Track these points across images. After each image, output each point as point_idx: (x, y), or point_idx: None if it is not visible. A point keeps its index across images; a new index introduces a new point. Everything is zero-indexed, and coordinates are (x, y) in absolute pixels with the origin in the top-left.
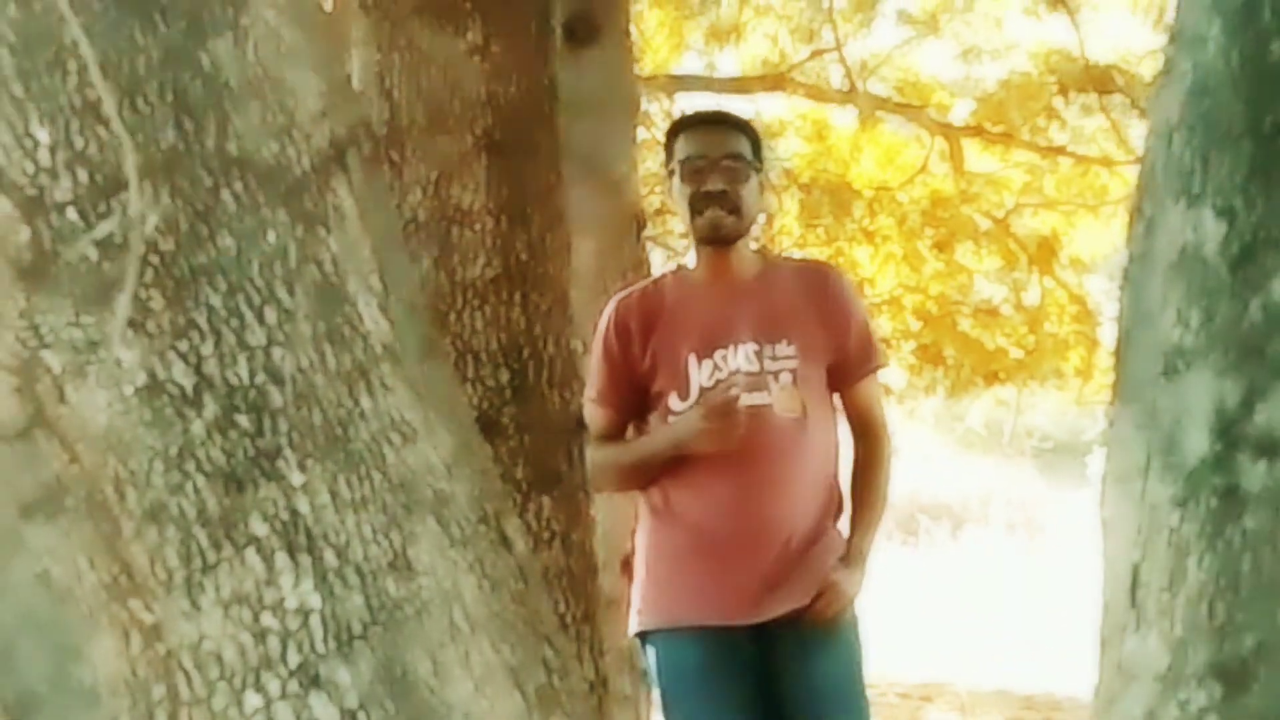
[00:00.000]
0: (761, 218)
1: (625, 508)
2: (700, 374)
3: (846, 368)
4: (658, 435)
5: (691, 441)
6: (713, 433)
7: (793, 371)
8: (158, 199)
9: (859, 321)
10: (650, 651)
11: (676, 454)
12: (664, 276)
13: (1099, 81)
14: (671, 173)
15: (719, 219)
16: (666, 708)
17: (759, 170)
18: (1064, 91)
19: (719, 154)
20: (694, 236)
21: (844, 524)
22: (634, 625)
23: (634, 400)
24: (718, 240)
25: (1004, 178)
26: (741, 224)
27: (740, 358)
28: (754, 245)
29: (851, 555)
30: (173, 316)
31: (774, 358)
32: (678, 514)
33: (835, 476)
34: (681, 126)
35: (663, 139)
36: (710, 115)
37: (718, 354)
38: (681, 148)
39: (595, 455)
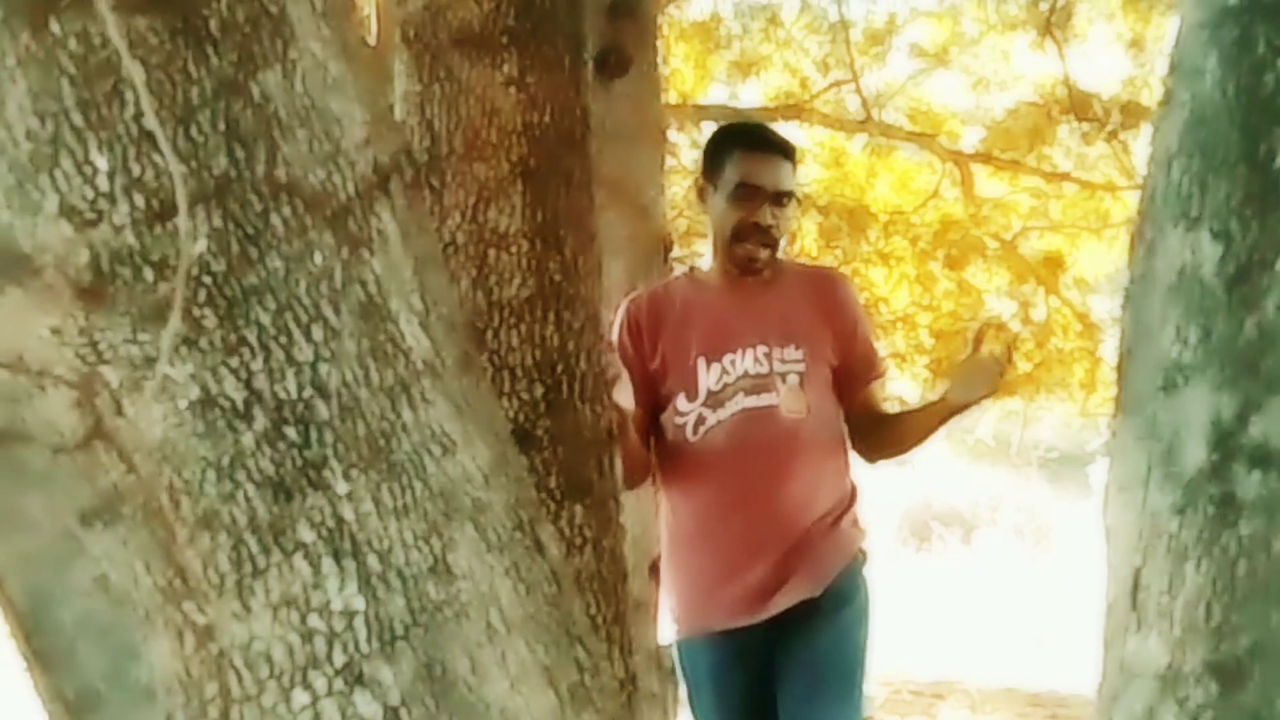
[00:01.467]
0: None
1: (653, 515)
2: (708, 377)
3: (852, 373)
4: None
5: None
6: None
7: (800, 374)
8: (210, 222)
9: (863, 327)
10: (676, 655)
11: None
12: (677, 278)
13: (1087, 109)
14: (714, 186)
15: (756, 254)
16: (690, 708)
17: (798, 201)
18: (1067, 115)
19: (774, 186)
20: (723, 259)
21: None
22: (666, 631)
23: (646, 398)
24: (750, 273)
25: (1011, 202)
26: (773, 259)
27: (748, 361)
28: None
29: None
30: (224, 334)
31: (783, 360)
32: (687, 519)
33: (846, 473)
34: (739, 143)
35: (706, 145)
36: (770, 139)
37: (726, 358)
38: (736, 169)
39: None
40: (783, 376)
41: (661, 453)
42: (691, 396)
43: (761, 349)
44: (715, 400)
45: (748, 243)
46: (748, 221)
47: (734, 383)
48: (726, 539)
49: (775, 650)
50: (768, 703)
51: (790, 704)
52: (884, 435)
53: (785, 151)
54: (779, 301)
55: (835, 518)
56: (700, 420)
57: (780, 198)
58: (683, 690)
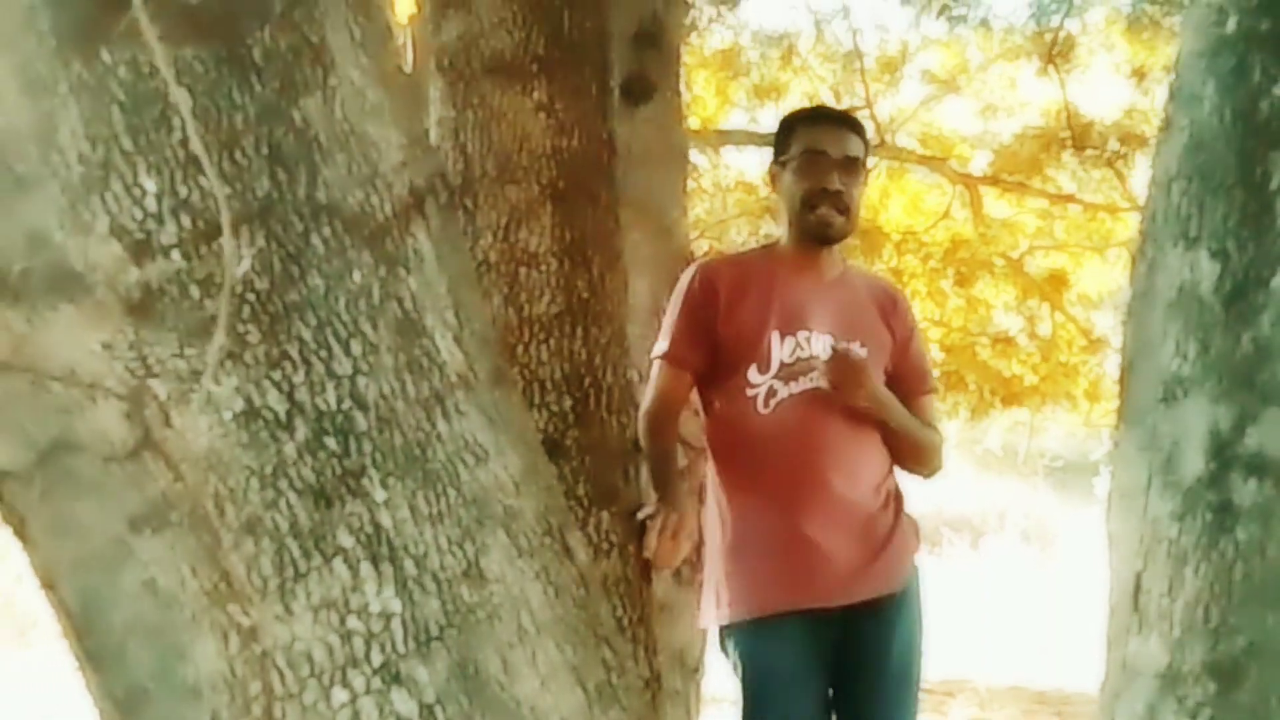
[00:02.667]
0: None
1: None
2: (782, 350)
3: (905, 383)
4: (671, 482)
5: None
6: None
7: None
8: (253, 242)
9: (918, 341)
10: (738, 643)
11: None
12: (751, 252)
13: (1089, 135)
14: (784, 164)
15: (831, 218)
16: (754, 697)
17: (865, 173)
18: (1069, 143)
19: (840, 153)
20: (797, 230)
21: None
22: (719, 619)
23: (705, 363)
24: (824, 239)
25: (1018, 222)
26: (848, 226)
27: (818, 345)
28: None
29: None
30: (267, 348)
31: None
32: (756, 493)
33: (894, 476)
34: (802, 119)
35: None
36: (833, 113)
37: (800, 334)
38: (801, 141)
39: (656, 432)
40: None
41: (720, 421)
42: (764, 369)
43: (829, 338)
44: (788, 374)
45: (819, 208)
46: (816, 188)
47: (806, 360)
48: (806, 518)
49: (846, 642)
50: (826, 691)
51: (860, 700)
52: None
53: (849, 123)
54: (847, 297)
55: (896, 516)
56: (771, 393)
57: (847, 163)
58: (737, 684)
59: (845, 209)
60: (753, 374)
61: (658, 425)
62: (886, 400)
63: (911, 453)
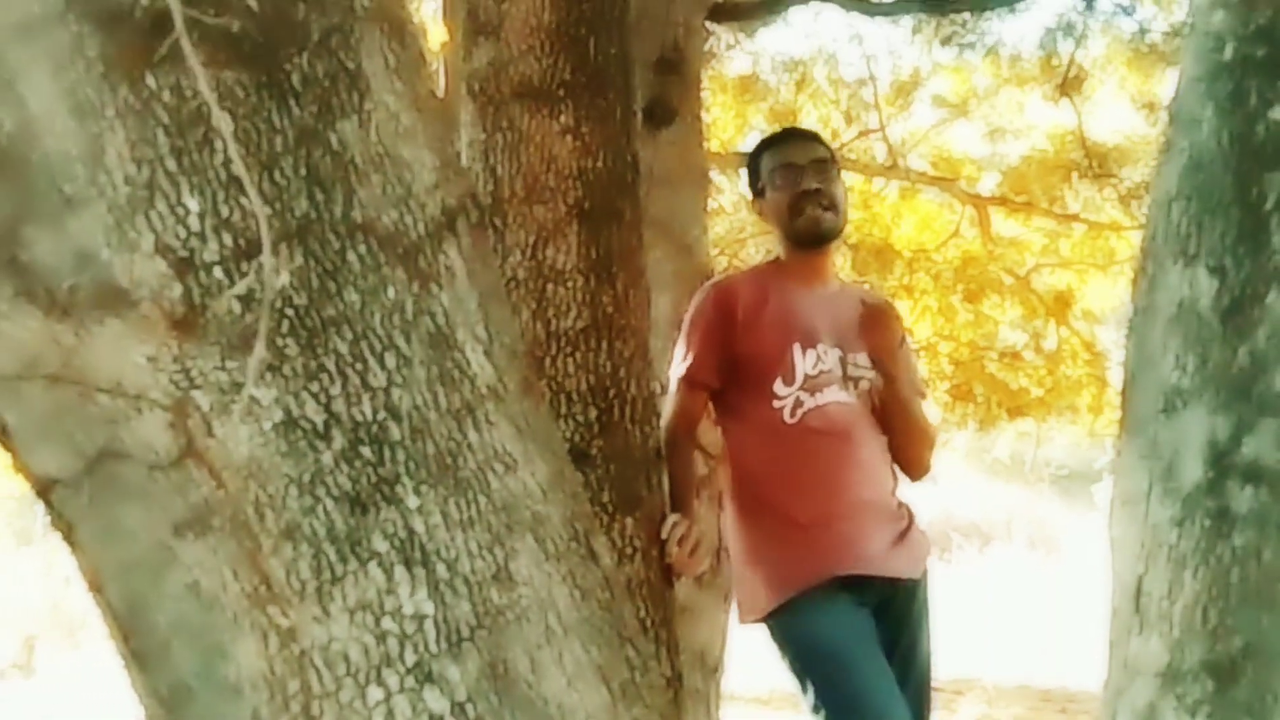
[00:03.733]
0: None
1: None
2: (805, 362)
3: None
4: (688, 494)
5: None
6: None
7: (870, 381)
8: (292, 259)
9: (907, 354)
10: (789, 626)
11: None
12: (760, 267)
13: (1107, 160)
14: (761, 190)
15: (819, 216)
16: (824, 669)
17: (842, 179)
18: (1078, 167)
19: (807, 158)
20: (792, 239)
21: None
22: (763, 610)
23: (721, 380)
24: (819, 237)
25: (1025, 240)
26: (838, 221)
27: (831, 358)
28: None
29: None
30: (305, 361)
31: (855, 365)
32: (785, 508)
33: (897, 490)
34: (764, 145)
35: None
36: (789, 130)
37: (819, 346)
38: (769, 161)
39: (674, 449)
40: (855, 381)
41: (745, 432)
42: (789, 381)
43: (837, 351)
44: (812, 385)
45: (805, 209)
46: (796, 191)
47: (826, 373)
48: (835, 513)
49: (882, 623)
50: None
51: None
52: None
53: (808, 134)
54: (848, 311)
55: (908, 513)
56: (798, 404)
57: (818, 165)
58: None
59: (830, 204)
60: (779, 386)
61: (675, 441)
62: (906, 360)
63: (909, 440)
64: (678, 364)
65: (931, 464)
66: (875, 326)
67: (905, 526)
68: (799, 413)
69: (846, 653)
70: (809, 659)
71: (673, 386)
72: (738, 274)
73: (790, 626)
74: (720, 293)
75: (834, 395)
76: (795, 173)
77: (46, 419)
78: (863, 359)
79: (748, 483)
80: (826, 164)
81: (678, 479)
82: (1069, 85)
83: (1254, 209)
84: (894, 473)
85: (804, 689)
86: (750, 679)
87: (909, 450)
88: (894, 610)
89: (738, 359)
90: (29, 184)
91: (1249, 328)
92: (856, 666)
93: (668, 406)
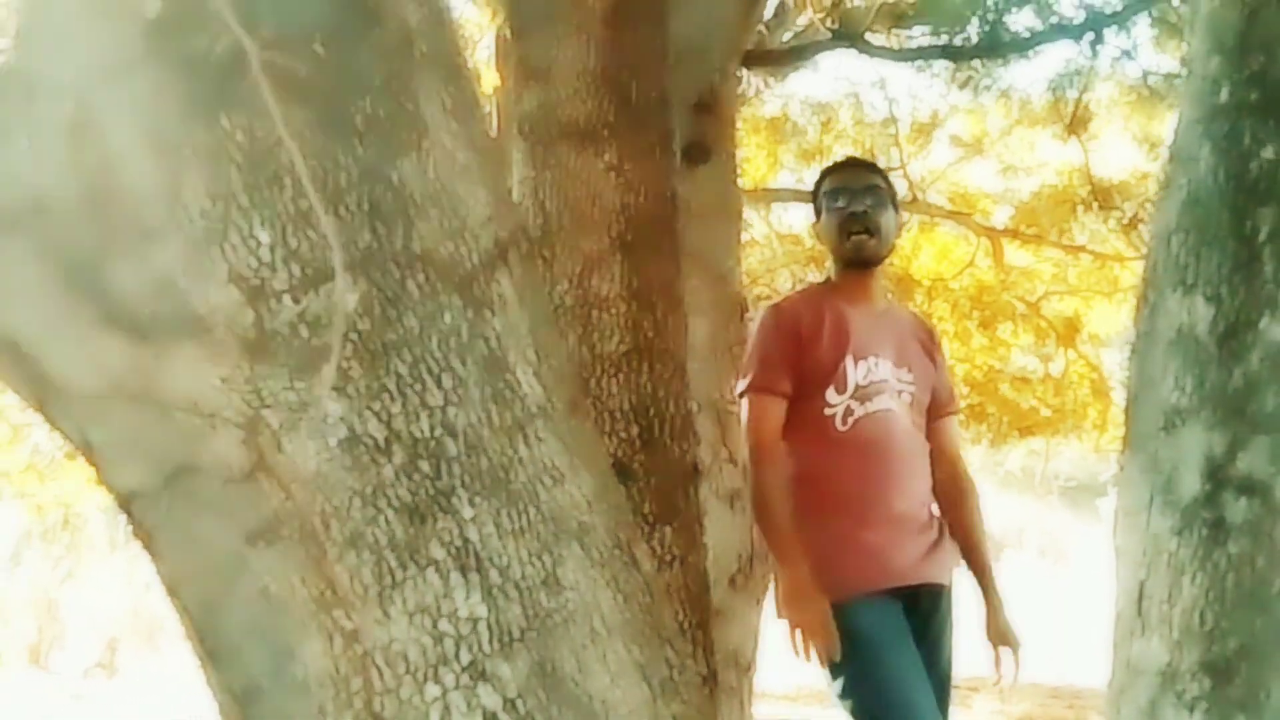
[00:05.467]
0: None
1: (731, 536)
2: (856, 373)
3: (938, 405)
4: (790, 552)
5: (781, 608)
6: (794, 628)
7: (912, 394)
8: (356, 287)
9: (945, 371)
10: (845, 616)
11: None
12: (812, 289)
13: (1112, 195)
14: (819, 212)
15: (862, 242)
16: (868, 664)
17: (895, 204)
18: (1087, 203)
19: (859, 184)
20: (840, 260)
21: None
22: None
23: (795, 392)
24: (861, 261)
25: (1036, 270)
26: (881, 248)
27: (883, 369)
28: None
29: (995, 603)
30: (368, 382)
31: (899, 379)
32: (839, 496)
33: (931, 494)
34: (825, 172)
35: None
36: (849, 159)
37: (871, 358)
38: (826, 185)
39: (772, 478)
40: (898, 393)
41: (800, 439)
42: (841, 390)
43: (887, 364)
44: (862, 395)
45: (851, 233)
46: (845, 214)
47: (876, 383)
48: (871, 523)
49: (911, 625)
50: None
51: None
52: (939, 486)
53: (865, 164)
54: (896, 329)
55: (939, 531)
56: (849, 411)
57: (869, 190)
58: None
59: (875, 229)
60: (830, 395)
61: (766, 455)
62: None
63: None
64: (744, 383)
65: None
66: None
67: (935, 538)
68: (850, 420)
69: (877, 643)
70: (843, 649)
71: (744, 406)
72: (794, 295)
73: (844, 619)
74: (781, 312)
75: (884, 404)
76: (846, 198)
77: (128, 436)
78: (905, 374)
79: (799, 486)
80: (877, 191)
81: (774, 502)
82: (1076, 125)
83: (1248, 241)
84: (927, 479)
85: (833, 677)
86: (780, 676)
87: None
88: (921, 610)
89: (801, 372)
90: (112, 219)
91: (1243, 351)
92: (886, 657)
93: (745, 428)
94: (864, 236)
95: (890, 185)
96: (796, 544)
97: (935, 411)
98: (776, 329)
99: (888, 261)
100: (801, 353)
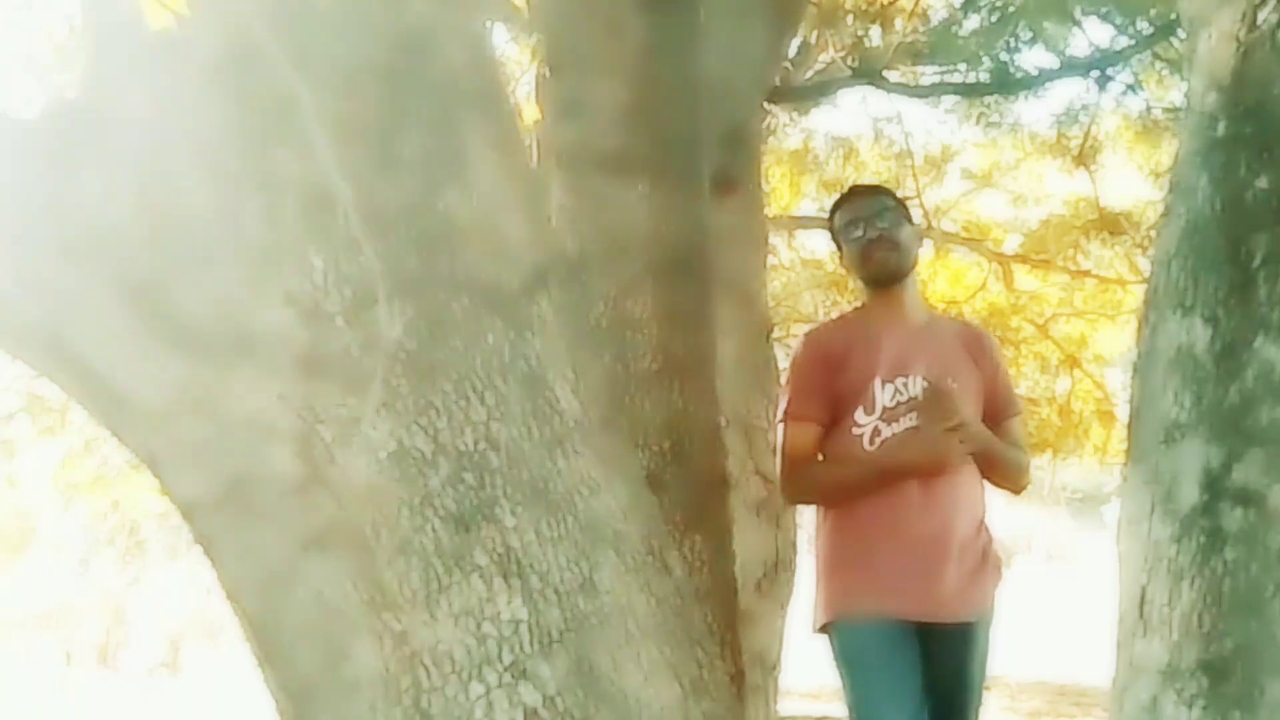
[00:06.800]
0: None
1: (757, 544)
2: (884, 395)
3: (994, 411)
4: (870, 458)
5: (913, 465)
6: (954, 449)
7: None
8: (404, 310)
9: (1004, 375)
10: (841, 636)
11: (887, 476)
12: (847, 316)
13: (1115, 223)
14: (839, 245)
15: (884, 258)
16: (856, 681)
17: (908, 218)
18: (1098, 231)
19: (872, 210)
20: (868, 282)
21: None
22: (821, 619)
23: (829, 416)
24: (886, 277)
25: (1044, 294)
26: (904, 260)
27: (916, 387)
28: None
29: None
30: (415, 399)
31: None
32: (864, 517)
33: (983, 503)
34: (836, 206)
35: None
36: (854, 189)
37: (899, 380)
38: (840, 219)
39: (800, 470)
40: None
41: (834, 459)
42: (869, 411)
43: (923, 382)
44: (890, 416)
45: (873, 255)
46: (863, 239)
47: (905, 403)
48: (911, 539)
49: (927, 657)
50: (920, 691)
51: (932, 710)
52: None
53: (870, 189)
54: (936, 342)
55: (985, 544)
56: (876, 432)
57: (883, 213)
58: (840, 673)
59: (894, 245)
60: (859, 415)
61: (792, 471)
62: (978, 431)
63: (1003, 474)
64: (780, 410)
65: (1027, 481)
66: (936, 408)
67: (973, 564)
68: (877, 441)
69: (862, 667)
70: (840, 667)
71: (779, 433)
72: (829, 322)
73: (832, 640)
74: (812, 340)
75: (914, 423)
76: (861, 226)
77: (190, 449)
78: (949, 382)
79: (831, 506)
80: (888, 211)
81: (831, 482)
82: (1085, 157)
83: (1243, 266)
84: (977, 493)
85: (844, 689)
86: (803, 675)
87: (1000, 484)
88: (938, 638)
89: (834, 396)
90: (176, 246)
91: (1239, 369)
92: (868, 682)
93: (779, 450)
94: (884, 253)
95: (899, 201)
96: (854, 463)
97: (994, 416)
98: (807, 357)
99: (916, 274)
100: (832, 377)
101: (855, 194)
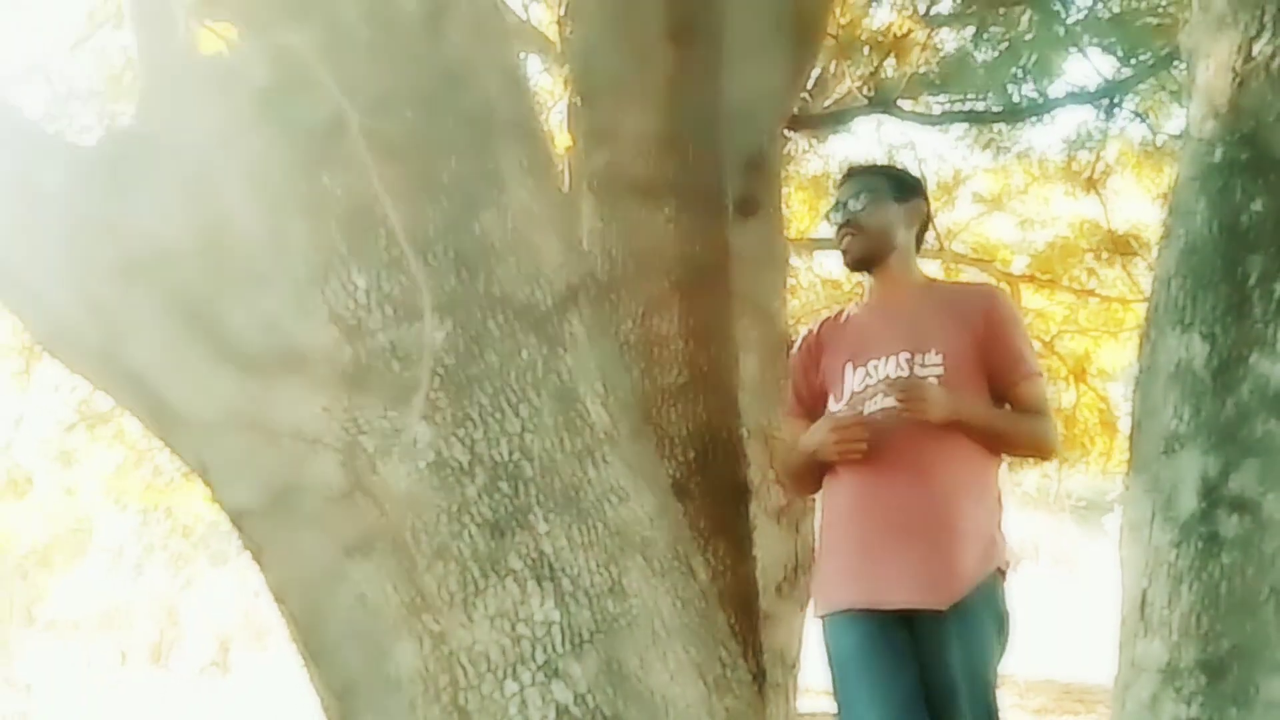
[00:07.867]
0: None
1: (778, 549)
2: (853, 380)
3: (1000, 376)
4: (800, 443)
5: (818, 451)
6: (834, 445)
7: (938, 377)
8: (443, 326)
9: (1008, 335)
10: (823, 630)
11: (811, 460)
12: (845, 306)
13: (1118, 245)
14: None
15: (847, 244)
16: (834, 676)
17: (899, 200)
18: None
19: (848, 194)
20: (846, 267)
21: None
22: (814, 614)
23: (809, 408)
24: (851, 262)
25: (1050, 312)
26: (868, 245)
27: (890, 366)
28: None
29: (956, 395)
30: (453, 411)
31: (923, 365)
32: (834, 507)
33: (991, 482)
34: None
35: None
36: (847, 169)
37: (870, 363)
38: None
39: (779, 462)
40: (923, 380)
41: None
42: (839, 398)
43: (904, 355)
44: (857, 400)
45: (840, 242)
46: (834, 225)
47: (874, 385)
48: (865, 526)
49: (915, 646)
50: (912, 684)
51: (928, 703)
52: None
53: (859, 169)
54: (922, 313)
55: (969, 525)
56: None
57: (857, 197)
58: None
59: (858, 229)
60: (831, 403)
61: (777, 465)
62: (958, 406)
63: (1009, 443)
64: (785, 403)
65: (1050, 446)
66: (909, 397)
67: (945, 547)
68: None
69: (841, 662)
70: (829, 664)
71: (783, 424)
72: (821, 316)
73: (822, 635)
74: (803, 337)
75: (885, 403)
76: (839, 210)
77: (239, 459)
78: (931, 357)
79: (824, 494)
80: (865, 193)
81: (780, 468)
82: (1095, 181)
83: (1239, 285)
84: (957, 477)
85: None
86: (821, 672)
87: (1015, 454)
88: (922, 632)
89: (814, 391)
90: (226, 266)
91: (1235, 383)
92: (847, 677)
93: (784, 437)
94: (846, 239)
95: (893, 177)
96: (792, 451)
97: (1002, 381)
98: (795, 355)
99: (908, 250)
100: (813, 369)
101: (844, 177)
